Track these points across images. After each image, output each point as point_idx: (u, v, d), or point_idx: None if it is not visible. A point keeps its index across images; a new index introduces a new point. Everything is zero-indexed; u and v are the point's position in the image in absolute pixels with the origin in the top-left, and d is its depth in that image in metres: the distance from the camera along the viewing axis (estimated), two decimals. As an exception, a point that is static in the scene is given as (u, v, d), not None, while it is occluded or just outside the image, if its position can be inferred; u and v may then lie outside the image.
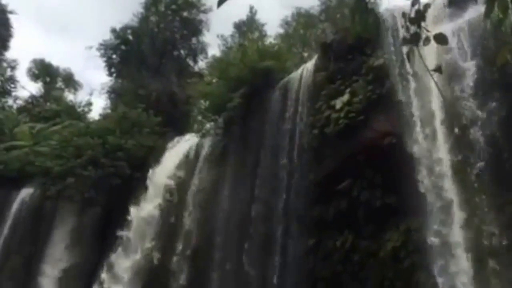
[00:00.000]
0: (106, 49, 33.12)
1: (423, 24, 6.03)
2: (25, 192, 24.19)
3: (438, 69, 6.85)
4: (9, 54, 39.15)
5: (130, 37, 32.95)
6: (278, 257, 17.43)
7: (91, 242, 22.58)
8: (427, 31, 6.06)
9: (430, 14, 7.80)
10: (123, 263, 20.28)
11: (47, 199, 23.51)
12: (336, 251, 17.58)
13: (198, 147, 22.43)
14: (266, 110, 19.41)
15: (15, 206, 23.80)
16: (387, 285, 16.46)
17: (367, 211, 17.11)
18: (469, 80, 14.63)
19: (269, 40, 28.08)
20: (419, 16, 6.02)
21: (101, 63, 33.33)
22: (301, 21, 35.48)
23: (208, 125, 23.66)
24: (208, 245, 19.11)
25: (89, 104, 33.90)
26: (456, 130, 14.54)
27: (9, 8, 38.42)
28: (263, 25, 36.53)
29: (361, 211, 17.22)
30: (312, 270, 17.62)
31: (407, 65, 15.57)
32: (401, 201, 15.96)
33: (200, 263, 19.23)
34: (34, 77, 38.30)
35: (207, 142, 22.04)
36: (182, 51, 33.90)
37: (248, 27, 36.18)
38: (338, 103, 17.28)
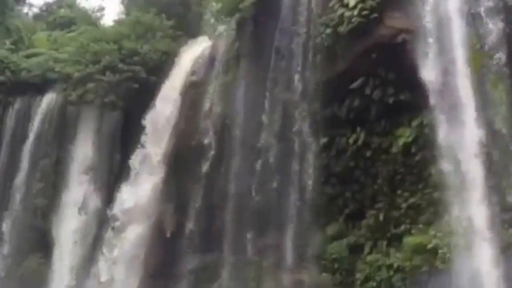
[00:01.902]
0: (117, -47, 31.45)
1: None
2: (48, 98, 24.09)
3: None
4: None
5: None
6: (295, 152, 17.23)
7: (113, 144, 22.59)
8: None
9: None
10: (152, 154, 20.16)
11: (69, 104, 23.39)
12: (348, 148, 17.44)
13: (212, 49, 21.72)
14: (279, 10, 18.44)
15: (40, 110, 23.80)
16: (398, 179, 16.44)
17: (379, 109, 16.78)
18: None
19: None
20: None
21: (112, -33, 31.73)
22: None
23: (220, 28, 22.77)
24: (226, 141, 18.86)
25: (102, 9, 32.72)
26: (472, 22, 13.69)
27: None
28: None
29: (374, 109, 16.89)
30: (326, 166, 17.52)
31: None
32: (414, 97, 15.49)
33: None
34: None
35: (220, 45, 21.29)
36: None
37: None
38: (352, 1, 16.37)
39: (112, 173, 21.53)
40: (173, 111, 20.65)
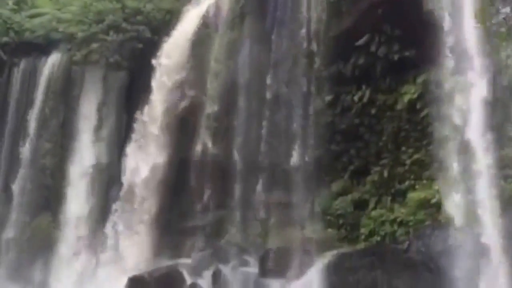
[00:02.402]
0: None
1: None
2: (53, 58, 24.06)
3: None
4: None
5: None
6: (300, 110, 17.35)
7: (119, 104, 22.72)
8: None
9: None
10: (155, 113, 20.30)
11: (74, 65, 23.40)
12: (353, 105, 17.56)
13: (216, 8, 21.56)
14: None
15: (45, 71, 23.82)
16: (402, 136, 16.60)
17: (384, 66, 16.82)
18: None
19: None
20: None
21: None
22: None
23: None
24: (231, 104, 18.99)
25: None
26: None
27: None
28: None
29: (379, 66, 16.91)
30: (331, 124, 17.68)
31: None
32: (420, 54, 15.51)
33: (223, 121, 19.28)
34: None
35: (224, 3, 21.12)
36: None
37: None
38: (357, -45, 16.18)
39: (120, 132, 21.74)
40: (177, 69, 20.65)
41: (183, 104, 20.14)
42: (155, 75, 20.86)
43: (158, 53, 21.19)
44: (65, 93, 23.39)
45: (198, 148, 19.36)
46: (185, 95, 20.25)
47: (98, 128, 22.31)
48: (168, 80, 20.54)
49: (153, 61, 20.92)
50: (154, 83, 20.74)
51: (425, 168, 15.74)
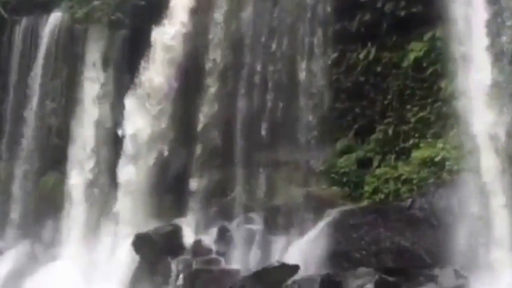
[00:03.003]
0: None
1: None
2: (55, 16, 23.71)
3: None
4: None
5: None
6: (304, 64, 17.33)
7: (122, 63, 22.63)
8: None
9: None
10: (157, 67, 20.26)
11: (76, 23, 23.16)
12: (359, 63, 17.55)
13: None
14: None
15: (47, 29, 23.60)
16: (407, 94, 16.66)
17: (391, 22, 16.72)
18: None
19: None
20: None
21: None
22: None
23: None
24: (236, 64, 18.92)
25: None
26: None
27: None
28: None
29: (385, 23, 16.81)
30: (335, 82, 17.70)
31: None
32: (426, 10, 15.37)
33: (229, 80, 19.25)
34: None
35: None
36: None
37: None
38: None
39: (123, 90, 21.70)
40: (181, 30, 20.52)
41: (186, 56, 19.98)
42: (158, 31, 20.65)
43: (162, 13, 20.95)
44: (68, 52, 23.25)
45: (204, 108, 19.39)
46: (188, 47, 20.07)
47: (101, 86, 22.27)
48: (171, 38, 20.38)
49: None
50: (157, 37, 20.54)
51: (430, 126, 15.87)
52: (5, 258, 21.05)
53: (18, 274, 19.80)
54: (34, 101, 23.45)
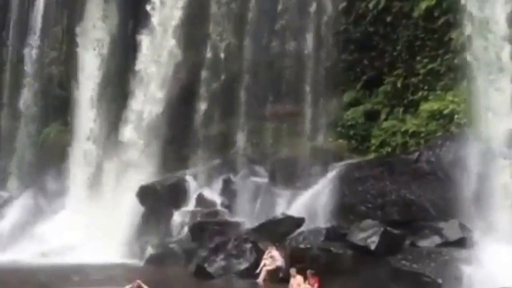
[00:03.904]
0: None
1: None
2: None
3: None
4: None
5: None
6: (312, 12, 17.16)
7: (125, 11, 22.30)
8: None
9: None
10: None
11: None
12: (368, 12, 17.38)
13: None
14: None
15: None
16: (418, 45, 16.55)
17: (402, -30, 16.38)
18: None
19: None
20: None
21: None
22: None
23: None
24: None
25: None
26: None
27: None
28: None
29: (396, -30, 16.48)
30: (344, 32, 17.57)
31: None
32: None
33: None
34: None
35: None
36: None
37: None
38: None
39: (126, 40, 21.50)
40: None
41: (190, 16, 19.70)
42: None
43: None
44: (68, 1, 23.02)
45: (209, 53, 19.28)
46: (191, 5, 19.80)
47: (104, 31, 21.83)
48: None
49: None
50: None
51: (440, 78, 15.83)
52: (10, 208, 21.52)
53: (24, 224, 20.27)
54: (34, 50, 23.42)
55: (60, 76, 23.13)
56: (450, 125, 14.99)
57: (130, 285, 11.58)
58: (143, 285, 11.57)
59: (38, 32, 23.26)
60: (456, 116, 14.80)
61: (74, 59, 21.92)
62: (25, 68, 23.42)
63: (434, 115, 15.37)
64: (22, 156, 23.44)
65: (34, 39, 23.30)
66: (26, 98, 23.45)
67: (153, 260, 16.44)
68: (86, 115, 21.46)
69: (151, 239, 17.55)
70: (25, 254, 17.59)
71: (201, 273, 14.24)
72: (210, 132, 19.50)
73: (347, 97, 17.83)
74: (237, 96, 18.65)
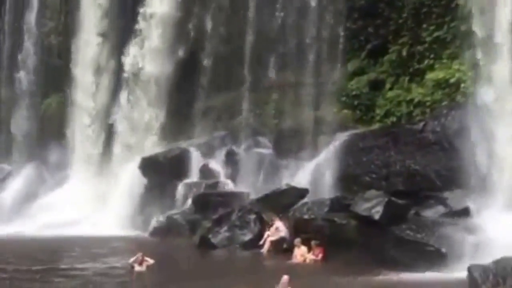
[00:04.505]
0: None
1: None
2: None
3: None
4: None
5: None
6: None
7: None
8: None
9: None
10: None
11: None
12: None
13: None
14: None
15: None
16: (424, 12, 16.45)
17: None
18: None
19: None
20: None
21: None
22: None
23: None
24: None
25: None
26: None
27: None
28: None
29: None
30: (348, -1, 17.41)
31: None
32: None
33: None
34: None
35: None
36: None
37: None
38: None
39: (126, 7, 21.23)
40: None
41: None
42: None
43: None
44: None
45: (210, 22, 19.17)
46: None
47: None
48: None
49: None
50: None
51: (446, 46, 15.74)
52: (13, 181, 21.69)
53: (27, 196, 20.47)
54: (33, 20, 23.25)
55: (59, 47, 23.03)
56: (455, 94, 14.98)
57: (134, 258, 11.81)
58: (146, 258, 11.79)
59: (36, 2, 23.05)
60: (462, 85, 14.77)
61: (73, 29, 21.77)
62: (24, 38, 23.29)
63: (440, 84, 15.34)
64: (23, 129, 23.51)
65: (32, 10, 23.09)
66: (25, 69, 23.41)
67: (157, 232, 16.66)
68: (86, 85, 21.42)
69: (154, 211, 17.75)
70: (28, 226, 17.80)
71: (205, 244, 14.45)
72: (213, 102, 19.53)
73: (351, 66, 17.75)
74: (240, 66, 18.59)
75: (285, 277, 9.33)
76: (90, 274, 11.24)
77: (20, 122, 23.39)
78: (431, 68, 16.00)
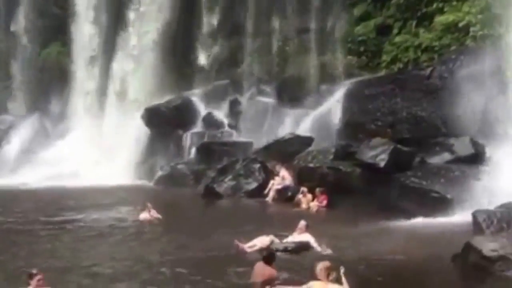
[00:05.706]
0: None
1: None
2: None
3: None
4: None
5: None
6: None
7: None
8: None
9: None
10: None
11: None
12: None
13: None
14: None
15: None
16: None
17: None
18: None
19: None
20: None
21: None
22: None
23: None
24: None
25: None
26: None
27: None
28: None
29: None
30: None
31: None
32: None
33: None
34: None
35: None
36: None
37: None
38: None
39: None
40: None
41: None
42: None
43: None
44: None
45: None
46: None
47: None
48: None
49: None
50: None
51: (456, -13, 15.42)
52: (16, 132, 21.77)
53: (30, 148, 20.63)
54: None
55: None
56: (465, 38, 14.77)
57: (143, 209, 11.85)
58: (153, 211, 11.84)
59: None
60: (472, 29, 14.54)
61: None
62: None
63: (449, 28, 15.12)
64: (23, 79, 23.48)
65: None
66: (23, 17, 23.17)
67: (162, 181, 16.92)
68: (86, 34, 21.22)
69: (159, 161, 17.94)
70: (33, 177, 17.98)
71: (210, 194, 14.65)
72: (215, 51, 19.39)
73: (357, 11, 17.50)
74: (243, 13, 18.35)
75: (303, 223, 9.62)
76: (102, 226, 11.33)
77: (20, 72, 23.34)
78: (440, 11, 15.70)
